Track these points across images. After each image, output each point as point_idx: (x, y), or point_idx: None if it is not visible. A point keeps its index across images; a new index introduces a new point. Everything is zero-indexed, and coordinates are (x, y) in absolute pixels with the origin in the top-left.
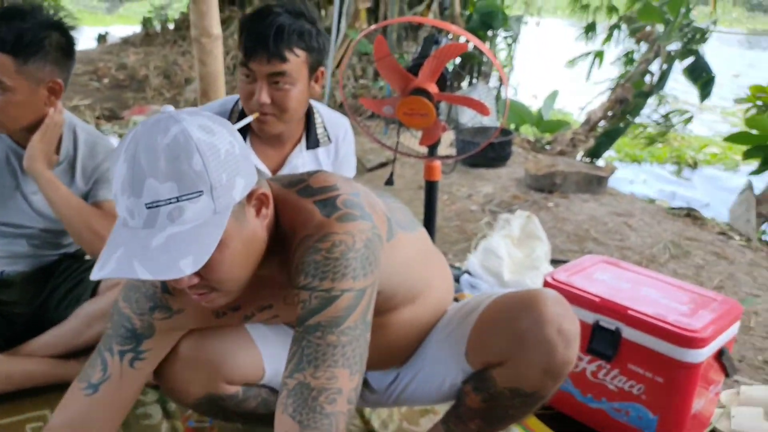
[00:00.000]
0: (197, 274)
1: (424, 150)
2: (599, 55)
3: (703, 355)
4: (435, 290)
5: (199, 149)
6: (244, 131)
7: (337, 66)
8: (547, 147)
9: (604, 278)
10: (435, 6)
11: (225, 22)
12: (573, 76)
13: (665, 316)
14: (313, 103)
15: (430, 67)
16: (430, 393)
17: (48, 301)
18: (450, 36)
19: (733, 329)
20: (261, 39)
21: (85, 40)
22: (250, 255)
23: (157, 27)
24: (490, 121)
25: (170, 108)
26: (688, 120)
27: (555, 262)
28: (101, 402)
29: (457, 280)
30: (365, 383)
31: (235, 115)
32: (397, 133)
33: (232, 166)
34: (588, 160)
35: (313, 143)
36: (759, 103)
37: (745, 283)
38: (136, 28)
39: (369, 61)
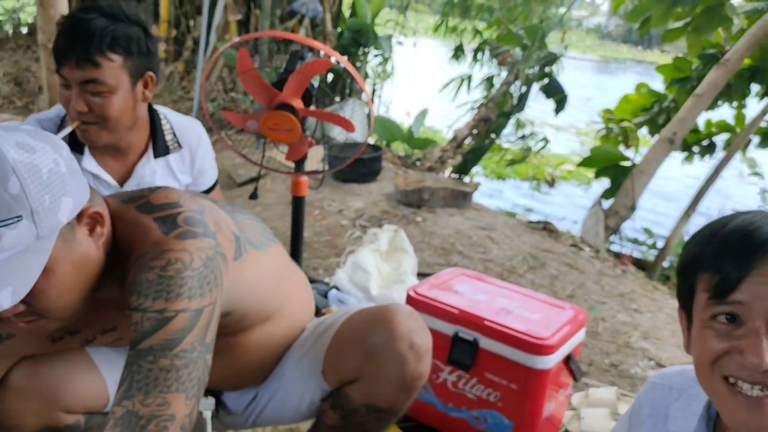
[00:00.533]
0: (23, 301)
1: (293, 165)
2: (468, 78)
3: (551, 361)
4: (291, 308)
5: (15, 171)
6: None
7: (207, 78)
8: (417, 163)
9: (463, 291)
10: (306, 22)
11: None
12: (444, 94)
13: (518, 326)
14: (161, 108)
15: (296, 82)
16: (289, 412)
17: None
18: (322, 53)
19: (580, 335)
20: (71, 43)
21: None
22: (83, 278)
23: (9, 31)
24: (361, 136)
25: None
26: (545, 144)
27: (422, 275)
28: None
29: (325, 295)
30: (222, 405)
31: (66, 124)
32: (263, 148)
33: (57, 186)
34: (456, 176)
35: (161, 151)
36: (611, 126)
37: (593, 292)
38: None
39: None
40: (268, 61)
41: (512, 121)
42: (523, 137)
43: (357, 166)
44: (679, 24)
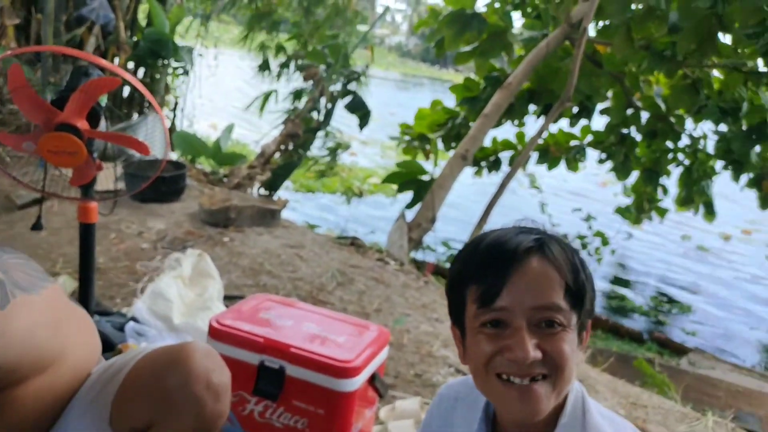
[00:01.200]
0: None
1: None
2: (271, 93)
3: (356, 383)
4: (73, 354)
5: None
6: None
7: None
8: (225, 180)
9: (269, 317)
10: (97, 29)
11: None
12: (252, 108)
13: (323, 351)
14: None
15: (78, 101)
16: None
17: None
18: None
19: (383, 354)
20: None
21: None
22: None
23: None
24: (161, 153)
25: None
26: (346, 147)
27: (229, 299)
28: None
29: (121, 328)
30: None
31: None
32: (44, 169)
33: None
34: (266, 192)
35: None
36: (406, 138)
37: (399, 304)
38: None
39: None
40: (53, 72)
41: (321, 135)
42: (331, 150)
43: (158, 185)
44: (469, 48)
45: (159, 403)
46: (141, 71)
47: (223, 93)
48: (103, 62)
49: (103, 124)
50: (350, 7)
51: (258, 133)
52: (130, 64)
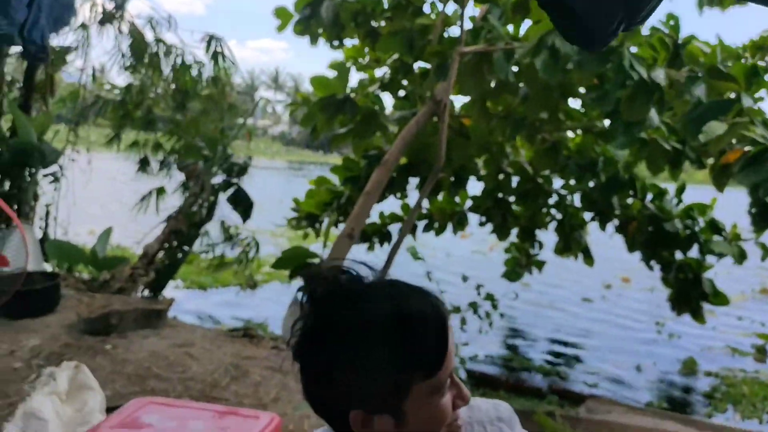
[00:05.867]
0: None
1: None
2: (161, 191)
3: None
4: None
5: None
6: None
7: None
8: (107, 285)
9: (151, 421)
10: None
11: None
12: (132, 210)
13: None
14: None
15: None
16: None
17: None
18: None
19: None
20: None
21: None
22: None
23: None
24: (34, 264)
25: None
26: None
27: (113, 410)
28: None
29: None
30: None
31: None
32: None
33: None
34: (150, 294)
35: None
36: (297, 217)
37: (297, 390)
38: None
39: None
40: None
41: (205, 229)
42: (210, 246)
43: (29, 299)
44: (344, 130)
45: None
46: (7, 183)
47: (100, 197)
48: None
49: None
50: (225, 99)
51: (139, 233)
52: None
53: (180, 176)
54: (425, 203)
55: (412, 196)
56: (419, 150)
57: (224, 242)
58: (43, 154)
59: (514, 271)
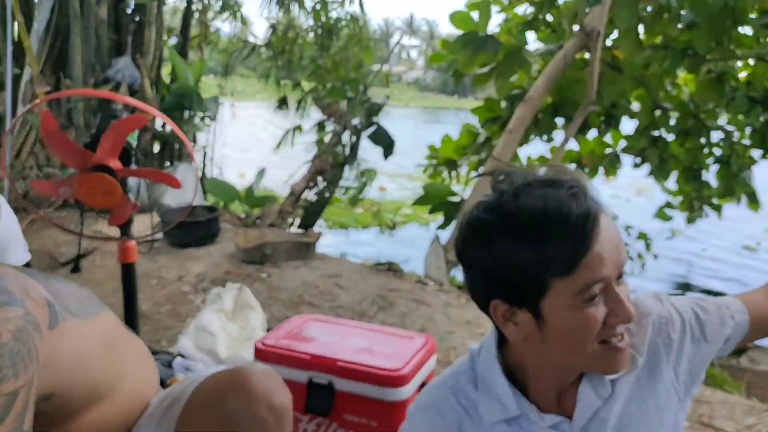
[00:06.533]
0: None
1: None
2: (298, 129)
3: (408, 391)
4: (130, 384)
5: None
6: None
7: (17, 156)
8: (258, 222)
9: (313, 335)
10: (124, 88)
11: None
12: (273, 156)
13: (370, 362)
14: None
15: (110, 141)
16: None
17: None
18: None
19: (432, 362)
20: None
21: None
22: None
23: None
24: (196, 200)
25: None
26: (374, 174)
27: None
28: None
29: (169, 365)
30: None
31: None
32: (81, 215)
33: None
34: (300, 230)
35: None
36: (433, 162)
37: (442, 323)
38: None
39: None
40: (85, 131)
41: (349, 169)
42: (360, 173)
43: (193, 230)
44: (486, 69)
45: (222, 427)
46: (167, 126)
47: (245, 142)
48: (131, 100)
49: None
50: (364, 41)
51: (284, 174)
52: (158, 120)
53: (317, 116)
54: (574, 145)
55: (558, 138)
56: (566, 87)
57: (361, 181)
58: (201, 98)
59: (688, 216)
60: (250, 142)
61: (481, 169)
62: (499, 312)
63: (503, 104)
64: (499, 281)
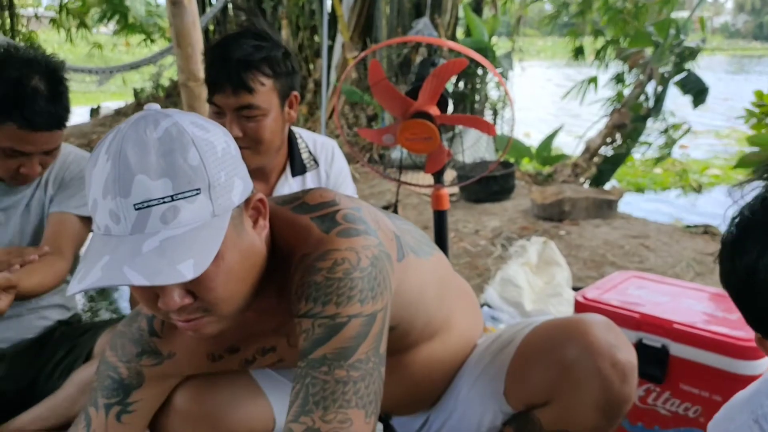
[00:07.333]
0: (190, 293)
1: (426, 191)
2: (593, 80)
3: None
4: (459, 323)
5: (195, 143)
6: None
7: (330, 117)
8: (549, 179)
9: (639, 293)
10: (423, 49)
11: None
12: (562, 112)
13: (715, 328)
14: (294, 128)
15: (430, 87)
16: None
17: (39, 375)
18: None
19: None
20: (224, 72)
21: (76, 116)
22: (249, 271)
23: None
24: (489, 155)
25: (156, 105)
26: (687, 131)
27: (575, 290)
28: None
29: None
30: (391, 430)
31: None
32: (400, 163)
33: (230, 165)
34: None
35: (298, 169)
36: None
37: None
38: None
39: (361, 108)
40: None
41: (648, 124)
42: (665, 130)
43: (489, 185)
44: None
45: (558, 377)
46: (461, 83)
47: (527, 102)
48: (450, 43)
49: (451, 109)
50: None
51: (569, 134)
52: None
53: (616, 66)
54: None
55: None
56: None
57: (669, 136)
58: (494, 54)
59: None
60: (533, 101)
61: None
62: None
63: None
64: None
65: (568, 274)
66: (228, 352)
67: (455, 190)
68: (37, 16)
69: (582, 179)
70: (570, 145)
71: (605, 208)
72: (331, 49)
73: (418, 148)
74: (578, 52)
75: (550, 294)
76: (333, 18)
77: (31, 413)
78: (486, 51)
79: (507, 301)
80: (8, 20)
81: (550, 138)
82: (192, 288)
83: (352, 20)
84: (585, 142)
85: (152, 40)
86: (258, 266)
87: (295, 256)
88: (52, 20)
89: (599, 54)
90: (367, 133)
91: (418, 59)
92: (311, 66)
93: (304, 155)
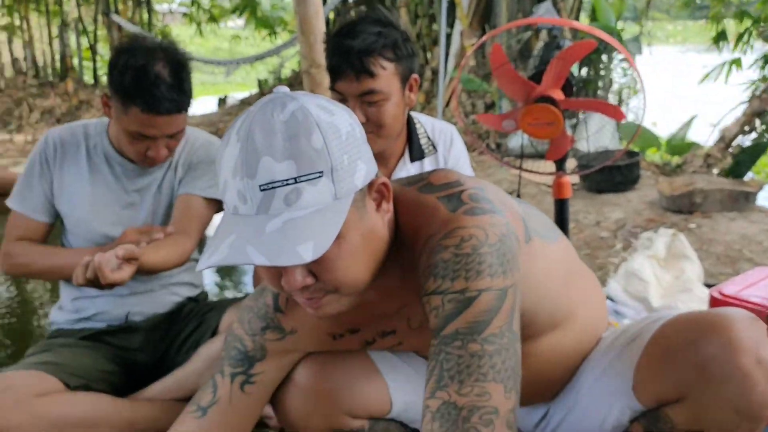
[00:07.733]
0: (311, 273)
1: (546, 179)
2: (736, 62)
3: None
4: (584, 314)
5: (319, 126)
6: None
7: (447, 105)
8: (678, 169)
9: None
10: (544, 34)
11: None
12: (692, 100)
13: None
14: (413, 113)
15: (555, 70)
16: None
17: (170, 348)
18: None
19: None
20: (346, 58)
21: (205, 106)
22: (371, 254)
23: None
24: (612, 144)
25: (285, 88)
26: None
27: (707, 287)
28: (210, 426)
29: None
30: None
31: None
32: (521, 150)
33: (353, 148)
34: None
35: (417, 155)
36: None
37: None
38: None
39: (479, 96)
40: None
41: None
42: None
43: (612, 175)
44: None
45: (694, 373)
46: (584, 69)
47: (661, 90)
48: (576, 24)
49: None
50: None
51: (702, 123)
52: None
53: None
54: None
55: None
56: None
57: None
58: (621, 37)
59: None
60: (661, 88)
61: None
62: None
63: None
64: None
65: (700, 269)
66: (349, 332)
67: (576, 179)
68: (171, 12)
69: (715, 170)
70: (701, 134)
71: (742, 200)
72: (449, 36)
73: (541, 133)
74: (720, 37)
75: (679, 290)
76: (452, 5)
77: (160, 384)
78: (613, 34)
79: (631, 296)
80: (146, 15)
81: (686, 126)
82: (313, 269)
83: (471, 7)
84: (719, 130)
85: (276, 33)
86: (380, 249)
87: (421, 238)
88: (185, 15)
89: (741, 37)
90: (486, 119)
91: (539, 45)
92: (429, 54)
93: (423, 140)
